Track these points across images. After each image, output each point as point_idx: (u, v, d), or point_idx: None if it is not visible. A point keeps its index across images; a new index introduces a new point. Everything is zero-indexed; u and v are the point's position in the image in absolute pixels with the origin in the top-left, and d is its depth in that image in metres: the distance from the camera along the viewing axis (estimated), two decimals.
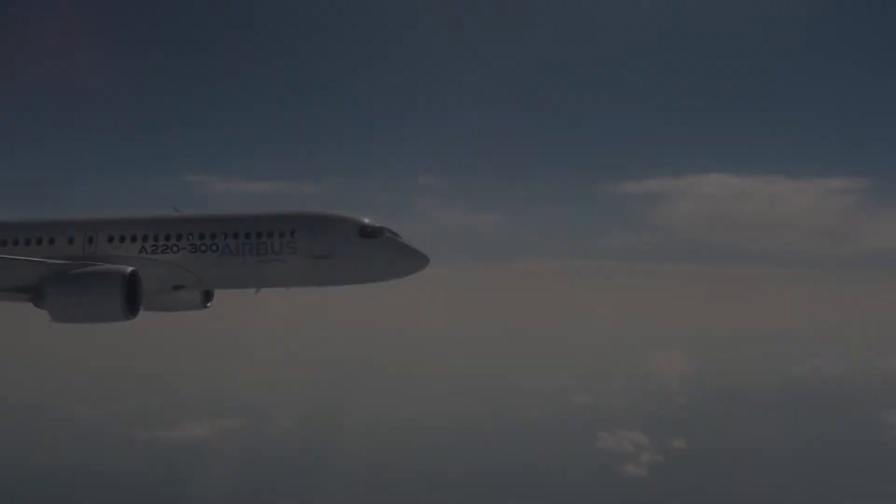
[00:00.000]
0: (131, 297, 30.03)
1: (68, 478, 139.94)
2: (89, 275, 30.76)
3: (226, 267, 32.56)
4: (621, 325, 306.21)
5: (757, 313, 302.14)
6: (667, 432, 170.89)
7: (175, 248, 32.79)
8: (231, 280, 33.45)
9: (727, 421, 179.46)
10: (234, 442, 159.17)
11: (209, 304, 36.27)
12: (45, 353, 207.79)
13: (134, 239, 33.18)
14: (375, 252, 32.10)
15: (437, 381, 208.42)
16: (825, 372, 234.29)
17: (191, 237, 32.81)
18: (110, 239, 33.15)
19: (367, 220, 32.59)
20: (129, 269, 30.47)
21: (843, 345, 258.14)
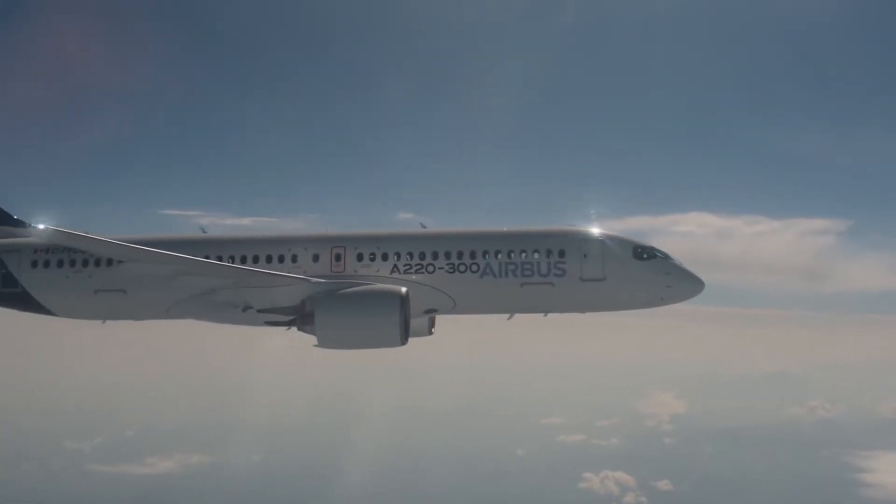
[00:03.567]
0: (405, 322, 27.48)
1: None
2: (364, 295, 28.06)
3: (485, 290, 29.73)
4: (612, 365, 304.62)
5: (752, 355, 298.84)
6: (653, 473, 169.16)
7: (431, 268, 29.85)
8: (488, 304, 30.57)
9: (715, 462, 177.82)
10: (200, 478, 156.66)
11: (433, 330, 33.05)
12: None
13: (385, 257, 30.19)
14: (650, 275, 29.40)
15: (423, 415, 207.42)
16: (819, 414, 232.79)
17: (448, 256, 29.97)
18: (360, 257, 30.19)
19: (640, 241, 30.09)
20: (403, 289, 27.88)
21: (835, 387, 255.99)
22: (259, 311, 29.36)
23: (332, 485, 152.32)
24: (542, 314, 30.94)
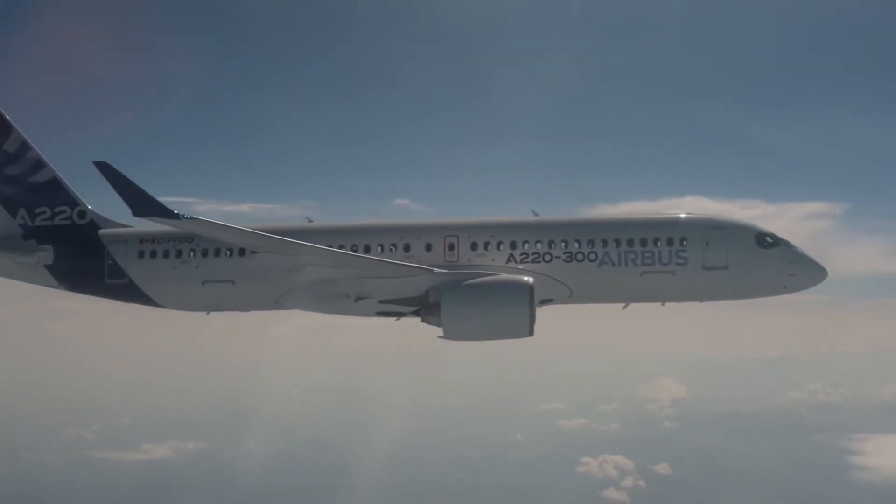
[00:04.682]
0: (533, 313, 26.90)
1: (23, 498, 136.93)
2: (492, 286, 27.51)
3: (604, 278, 29.06)
4: (615, 351, 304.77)
5: (753, 339, 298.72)
6: (652, 457, 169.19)
7: (548, 257, 29.11)
8: (607, 293, 30.03)
9: (715, 447, 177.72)
10: (195, 465, 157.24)
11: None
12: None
13: (500, 246, 29.50)
14: (775, 263, 28.61)
15: (424, 401, 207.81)
16: (820, 398, 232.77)
17: (565, 244, 29.23)
18: (474, 246, 29.53)
19: (763, 227, 29.14)
20: (530, 279, 27.41)
21: (836, 371, 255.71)
22: (381, 301, 29.06)
23: (328, 472, 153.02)
24: (660, 304, 30.28)
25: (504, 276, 27.98)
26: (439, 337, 27.72)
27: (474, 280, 27.57)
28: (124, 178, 26.00)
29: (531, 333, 27.02)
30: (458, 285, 27.49)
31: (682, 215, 30.14)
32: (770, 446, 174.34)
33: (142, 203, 26.11)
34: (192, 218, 26.38)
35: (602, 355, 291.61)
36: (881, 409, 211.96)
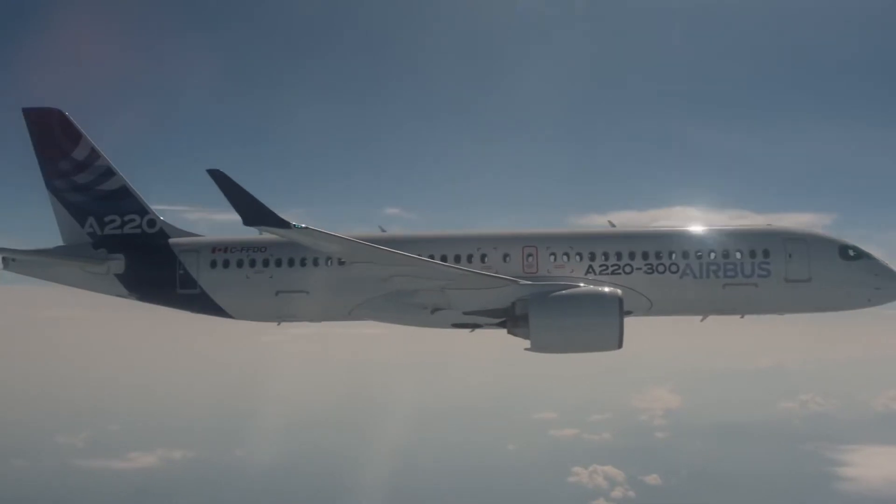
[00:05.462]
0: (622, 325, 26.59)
1: None
2: (581, 298, 27.43)
3: (685, 291, 29.01)
4: (609, 360, 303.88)
5: (747, 349, 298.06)
6: (643, 468, 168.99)
7: (629, 269, 29.07)
8: (687, 305, 29.79)
9: (705, 457, 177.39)
10: (182, 474, 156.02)
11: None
12: None
13: (580, 257, 29.45)
14: (859, 275, 28.41)
15: (415, 408, 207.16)
16: (811, 409, 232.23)
17: (646, 256, 29.10)
18: (553, 256, 29.46)
19: (846, 240, 29.10)
20: (619, 291, 27.39)
21: (829, 381, 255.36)
22: (465, 313, 28.81)
23: (319, 479, 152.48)
24: (739, 316, 30.11)
25: (592, 288, 27.97)
26: (525, 349, 27.42)
27: (562, 292, 27.51)
28: (238, 186, 25.41)
29: (620, 346, 26.81)
30: (546, 297, 27.33)
31: (765, 227, 30.09)
32: (760, 456, 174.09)
33: (253, 212, 25.41)
34: (304, 228, 25.73)
35: (596, 365, 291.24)
36: (872, 419, 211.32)
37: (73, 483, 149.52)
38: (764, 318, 30.92)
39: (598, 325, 26.75)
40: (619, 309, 26.58)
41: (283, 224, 25.58)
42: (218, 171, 25.52)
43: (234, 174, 25.18)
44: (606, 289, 27.74)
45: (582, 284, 28.53)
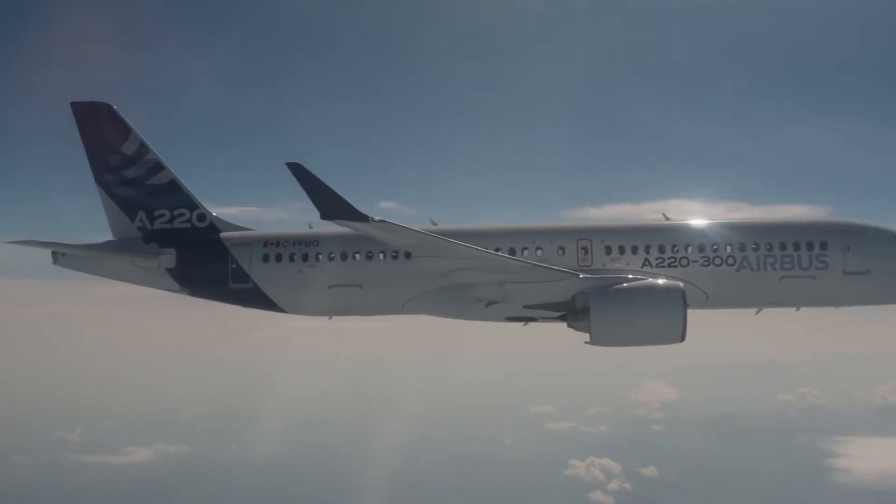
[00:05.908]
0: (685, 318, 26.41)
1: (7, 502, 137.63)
2: (643, 291, 27.24)
3: (742, 284, 28.86)
4: (608, 353, 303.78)
5: (746, 342, 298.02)
6: (640, 460, 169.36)
7: (685, 262, 28.85)
8: (743, 298, 29.74)
9: (702, 450, 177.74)
10: (177, 468, 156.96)
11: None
12: None
13: (636, 250, 29.25)
14: None
15: (413, 402, 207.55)
16: (809, 402, 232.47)
17: (702, 249, 29.00)
18: (608, 250, 29.33)
19: None
20: (680, 284, 27.24)
21: (827, 375, 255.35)
22: (525, 306, 28.71)
23: (313, 473, 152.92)
24: (795, 308, 30.03)
25: (654, 281, 27.74)
26: (585, 343, 27.35)
27: (624, 285, 27.31)
28: (317, 179, 25.25)
29: (683, 339, 26.71)
30: (608, 290, 27.10)
31: (822, 219, 30.06)
32: (757, 449, 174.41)
33: (331, 206, 25.24)
34: (381, 221, 25.54)
35: (594, 358, 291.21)
36: (869, 411, 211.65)
37: (70, 478, 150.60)
38: (820, 311, 30.86)
39: (661, 318, 26.66)
40: (682, 302, 26.44)
41: (362, 217, 25.35)
42: (297, 164, 25.34)
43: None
44: (669, 282, 27.59)
45: (641, 278, 28.53)
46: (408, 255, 29.68)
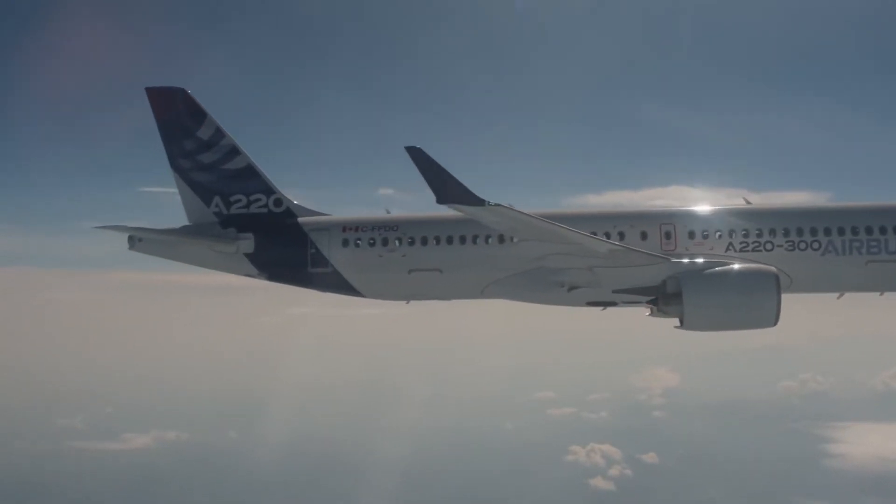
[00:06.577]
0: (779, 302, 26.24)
1: (4, 490, 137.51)
2: (737, 275, 26.95)
3: (827, 268, 28.60)
4: (610, 340, 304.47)
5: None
6: (640, 446, 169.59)
7: (769, 246, 28.58)
8: (828, 283, 29.46)
9: (702, 436, 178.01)
10: (175, 455, 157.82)
11: None
12: None
13: (720, 234, 28.98)
14: None
15: (414, 389, 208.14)
16: (810, 387, 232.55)
17: (787, 233, 28.66)
18: (691, 234, 29.08)
19: None
20: (773, 268, 26.98)
21: (830, 360, 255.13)
22: (614, 291, 28.58)
23: (312, 461, 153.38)
24: (878, 293, 29.81)
25: (746, 265, 27.50)
26: (676, 328, 27.28)
27: (716, 269, 27.10)
28: (436, 164, 24.92)
29: (776, 324, 26.58)
30: (700, 275, 26.97)
31: None
32: (757, 435, 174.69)
33: (447, 190, 24.89)
34: (496, 206, 25.12)
35: (596, 344, 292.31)
36: (871, 397, 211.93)
37: (70, 464, 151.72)
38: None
39: (755, 302, 26.49)
40: (776, 286, 26.26)
41: (479, 202, 24.99)
42: (417, 148, 25.03)
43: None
44: (761, 266, 27.34)
45: (728, 262, 28.21)
46: (501, 240, 29.66)
